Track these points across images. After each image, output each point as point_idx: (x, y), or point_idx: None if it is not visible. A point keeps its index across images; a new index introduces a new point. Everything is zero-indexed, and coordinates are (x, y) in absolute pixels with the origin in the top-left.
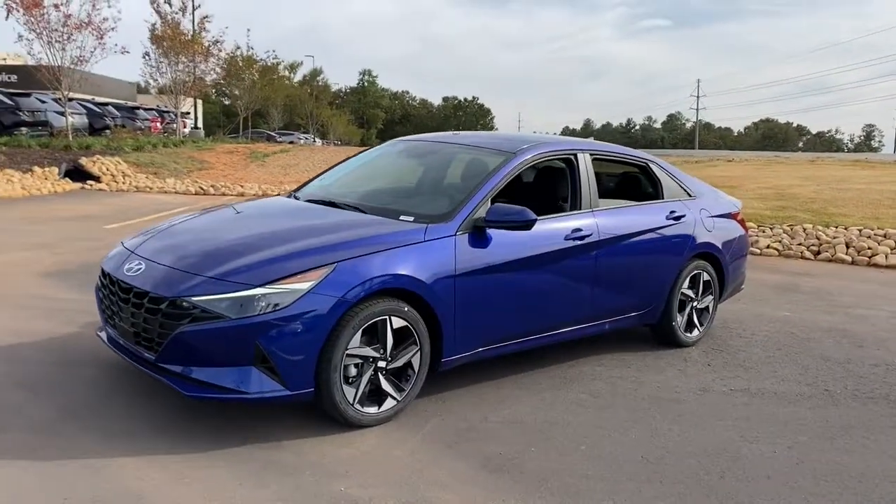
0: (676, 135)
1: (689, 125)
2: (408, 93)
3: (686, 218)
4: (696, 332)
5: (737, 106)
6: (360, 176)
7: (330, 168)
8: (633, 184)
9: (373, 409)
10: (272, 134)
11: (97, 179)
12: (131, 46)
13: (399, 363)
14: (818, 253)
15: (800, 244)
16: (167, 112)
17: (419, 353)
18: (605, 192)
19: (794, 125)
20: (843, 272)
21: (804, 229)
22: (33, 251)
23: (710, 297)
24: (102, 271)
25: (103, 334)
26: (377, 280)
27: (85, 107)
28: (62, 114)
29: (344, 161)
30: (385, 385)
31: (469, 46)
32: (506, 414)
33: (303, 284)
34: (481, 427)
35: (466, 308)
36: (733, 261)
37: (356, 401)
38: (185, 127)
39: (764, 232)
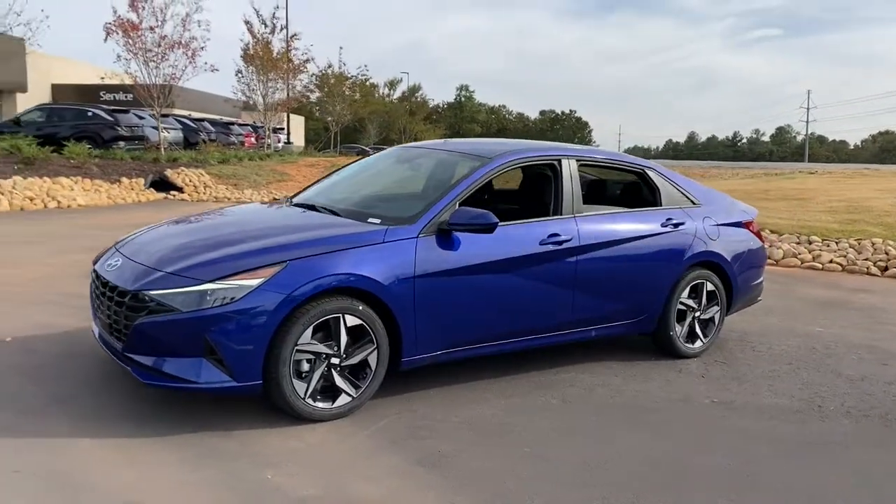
0: (786, 148)
1: (799, 138)
2: (504, 107)
3: (686, 226)
4: (698, 343)
5: (852, 118)
6: (355, 181)
7: (332, 172)
8: (631, 191)
9: (326, 405)
10: (365, 148)
11: (180, 190)
12: (222, 63)
13: (354, 360)
14: (885, 269)
15: (866, 259)
16: (261, 127)
17: (376, 351)
18: (599, 199)
19: None
20: None
21: (873, 244)
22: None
23: (716, 308)
24: (93, 268)
25: (95, 329)
26: (328, 279)
27: (181, 122)
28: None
29: (345, 166)
30: (339, 381)
31: (569, 60)
32: (467, 415)
33: (252, 281)
34: (437, 426)
35: (428, 309)
36: (744, 271)
37: (307, 395)
38: (278, 142)
39: (828, 246)
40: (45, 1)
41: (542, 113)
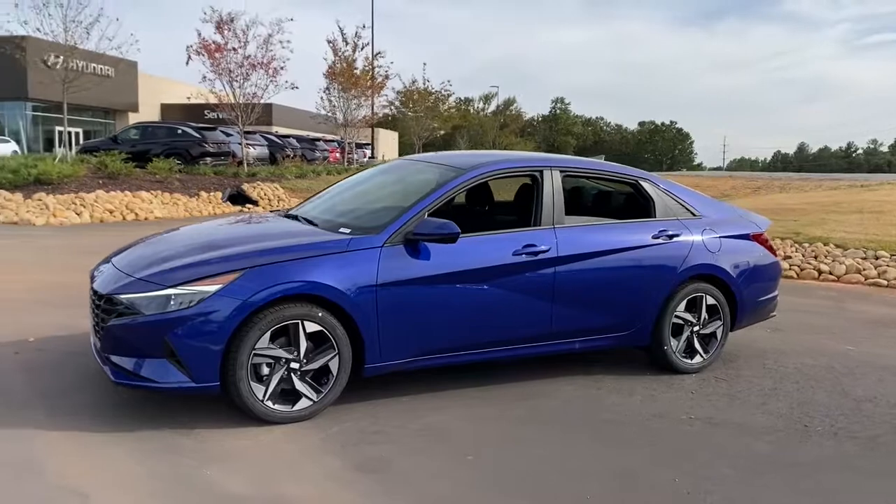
0: None
1: None
2: (602, 118)
3: (681, 237)
4: (697, 359)
5: None
6: (348, 193)
7: (333, 184)
8: (625, 202)
9: (285, 408)
10: None
11: (255, 203)
12: (306, 81)
13: (315, 366)
14: None
15: None
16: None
17: (338, 357)
18: (589, 210)
19: None
20: None
21: None
22: None
23: (718, 323)
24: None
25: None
26: (283, 286)
27: (267, 139)
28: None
29: (348, 177)
30: (299, 385)
31: (672, 70)
32: (426, 423)
33: (210, 287)
34: (392, 432)
35: (392, 317)
36: (750, 284)
37: (266, 398)
38: (364, 157)
39: None
40: (150, 25)
41: (641, 124)
